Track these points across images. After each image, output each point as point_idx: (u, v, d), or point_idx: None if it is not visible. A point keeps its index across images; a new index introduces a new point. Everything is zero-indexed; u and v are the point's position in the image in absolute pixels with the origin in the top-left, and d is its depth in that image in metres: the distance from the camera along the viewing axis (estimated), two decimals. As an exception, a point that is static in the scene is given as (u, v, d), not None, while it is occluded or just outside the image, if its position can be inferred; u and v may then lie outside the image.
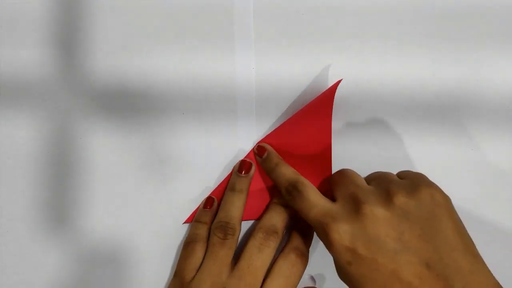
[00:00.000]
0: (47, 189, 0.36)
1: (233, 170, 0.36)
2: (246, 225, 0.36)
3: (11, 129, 0.36)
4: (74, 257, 0.36)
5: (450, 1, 0.37)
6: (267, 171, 0.35)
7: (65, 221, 0.36)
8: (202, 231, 0.34)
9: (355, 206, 0.28)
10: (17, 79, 0.36)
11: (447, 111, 0.37)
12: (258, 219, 0.36)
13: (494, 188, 0.37)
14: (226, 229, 0.33)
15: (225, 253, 0.32)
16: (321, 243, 0.29)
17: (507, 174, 0.37)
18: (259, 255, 0.32)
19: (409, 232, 0.27)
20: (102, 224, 0.36)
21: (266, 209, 0.35)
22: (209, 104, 0.36)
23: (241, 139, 0.36)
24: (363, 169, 0.36)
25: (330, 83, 0.36)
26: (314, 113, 0.35)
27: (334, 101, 0.36)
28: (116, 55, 0.36)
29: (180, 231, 0.36)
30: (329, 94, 0.34)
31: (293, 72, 0.36)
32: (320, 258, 0.36)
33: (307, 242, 0.34)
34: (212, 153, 0.36)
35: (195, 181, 0.36)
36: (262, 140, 0.36)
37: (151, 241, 0.36)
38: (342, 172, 0.32)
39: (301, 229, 0.34)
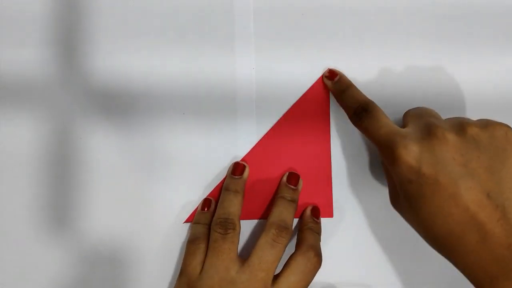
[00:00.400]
0: (48, 189, 0.36)
1: (227, 172, 0.36)
2: (249, 224, 0.36)
3: (11, 129, 0.36)
4: (74, 257, 0.36)
5: (450, 1, 0.37)
6: (337, 93, 0.35)
7: (66, 221, 0.36)
8: (203, 229, 0.34)
9: (427, 130, 0.28)
10: (17, 79, 0.36)
11: (447, 111, 0.37)
12: (261, 218, 0.36)
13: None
14: (226, 224, 0.32)
15: (228, 247, 0.32)
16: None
17: (507, 174, 0.37)
18: (272, 251, 0.31)
19: (476, 161, 0.27)
20: (102, 223, 0.36)
21: (273, 204, 0.34)
22: (209, 104, 0.36)
23: (241, 139, 0.36)
24: (363, 169, 0.37)
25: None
26: (311, 105, 0.35)
27: (334, 102, 0.36)
28: (116, 55, 0.36)
29: (180, 231, 0.36)
30: (323, 84, 0.35)
31: (293, 72, 0.36)
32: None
33: (319, 239, 0.34)
34: (212, 153, 0.36)
35: (195, 181, 0.36)
36: (261, 141, 0.36)
37: (151, 241, 0.36)
38: (418, 108, 0.33)
39: (310, 227, 0.34)
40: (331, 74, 0.35)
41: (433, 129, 0.28)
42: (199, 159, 0.36)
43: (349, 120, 0.37)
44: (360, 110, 0.32)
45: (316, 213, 0.35)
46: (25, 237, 0.36)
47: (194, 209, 0.36)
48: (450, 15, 0.37)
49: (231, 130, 0.36)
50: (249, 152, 0.36)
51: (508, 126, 0.28)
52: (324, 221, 0.36)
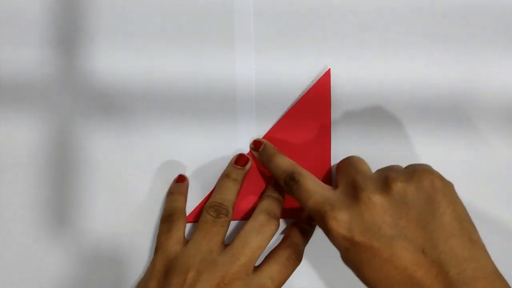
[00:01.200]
0: (48, 189, 0.36)
1: (230, 162, 0.36)
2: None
3: (12, 129, 0.36)
4: (74, 257, 0.36)
5: (450, 1, 0.37)
6: (264, 164, 0.34)
7: (66, 220, 0.36)
8: (180, 203, 0.34)
9: (354, 193, 0.28)
10: (17, 79, 0.36)
11: (447, 111, 0.37)
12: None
13: (493, 188, 0.37)
14: (220, 209, 0.32)
15: (216, 231, 0.32)
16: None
17: (507, 174, 0.37)
18: (257, 237, 0.31)
19: (406, 218, 0.27)
20: (102, 223, 0.36)
21: (261, 199, 0.34)
22: (209, 104, 0.36)
23: (241, 139, 0.36)
24: (363, 169, 0.37)
25: (331, 83, 0.36)
26: (312, 106, 0.36)
27: (334, 102, 0.36)
28: (116, 55, 0.36)
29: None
30: (324, 85, 0.35)
31: (293, 72, 0.36)
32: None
33: (305, 241, 0.34)
34: (212, 153, 0.36)
35: (195, 181, 0.36)
36: (263, 137, 0.36)
37: (151, 241, 0.36)
38: (348, 159, 0.32)
39: (302, 227, 0.34)
40: (256, 145, 0.35)
41: (359, 194, 0.28)
42: (199, 159, 0.36)
43: (349, 121, 0.37)
44: (288, 180, 0.31)
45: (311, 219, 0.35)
46: (25, 237, 0.36)
47: (194, 209, 0.36)
48: (450, 15, 0.37)
49: (231, 130, 0.36)
50: (249, 152, 0.36)
51: (434, 174, 0.28)
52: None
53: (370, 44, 0.37)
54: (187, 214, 0.36)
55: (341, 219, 0.28)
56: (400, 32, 0.37)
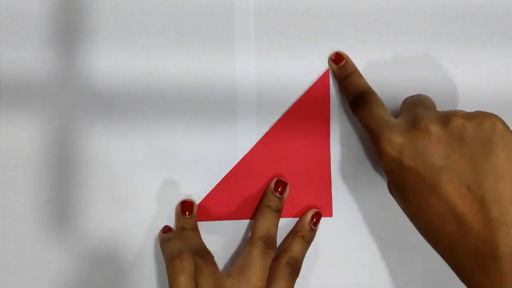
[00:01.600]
0: (48, 189, 0.36)
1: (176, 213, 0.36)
2: (248, 224, 0.36)
3: (12, 129, 0.36)
4: (75, 257, 0.36)
5: (450, 1, 0.37)
6: (340, 79, 0.35)
7: (66, 220, 0.36)
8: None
9: (412, 121, 0.28)
10: (18, 79, 0.36)
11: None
12: (252, 221, 0.36)
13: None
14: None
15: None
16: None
17: (506, 174, 0.37)
18: (263, 262, 0.32)
19: (459, 153, 0.27)
20: (102, 223, 0.36)
21: (258, 213, 0.34)
22: (209, 104, 0.36)
23: (241, 139, 0.36)
24: (363, 169, 0.37)
25: (330, 83, 0.36)
26: (311, 106, 0.36)
27: (333, 102, 0.36)
28: (116, 55, 0.36)
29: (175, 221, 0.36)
30: (322, 85, 0.36)
31: (293, 72, 0.36)
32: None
33: (304, 252, 0.34)
34: (212, 153, 0.36)
35: (195, 181, 0.36)
36: (261, 140, 0.36)
37: (151, 241, 0.36)
38: (415, 95, 0.33)
39: (304, 238, 0.34)
40: (337, 58, 0.35)
41: (417, 122, 0.28)
42: (199, 159, 0.36)
43: (349, 121, 0.37)
44: (358, 99, 0.32)
45: (316, 220, 0.35)
46: (25, 237, 0.36)
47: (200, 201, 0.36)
48: (450, 15, 0.37)
49: (231, 130, 0.36)
50: (249, 152, 0.36)
51: (497, 117, 0.28)
52: (323, 220, 0.36)
53: (370, 44, 0.37)
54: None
55: (394, 141, 0.28)
56: (400, 32, 0.37)
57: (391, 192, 0.31)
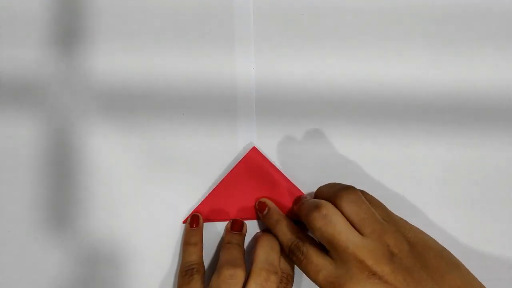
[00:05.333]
0: (48, 189, 0.36)
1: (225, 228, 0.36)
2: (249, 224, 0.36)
3: (12, 129, 0.36)
4: (74, 257, 0.36)
5: (450, 1, 0.37)
6: (268, 226, 0.35)
7: (66, 220, 0.36)
8: (197, 256, 0.34)
9: (364, 270, 0.29)
10: (17, 79, 0.36)
11: (447, 111, 0.37)
12: (252, 221, 0.36)
13: (493, 188, 0.37)
14: (232, 269, 0.32)
15: None
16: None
17: (506, 174, 0.37)
18: None
19: (411, 279, 0.28)
20: (102, 223, 0.36)
21: (260, 241, 0.34)
22: (209, 104, 0.36)
23: (241, 139, 0.36)
24: (363, 169, 0.37)
25: (330, 83, 0.36)
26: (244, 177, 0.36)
27: (334, 101, 0.36)
28: (116, 55, 0.36)
29: (180, 231, 0.36)
30: (250, 161, 0.35)
31: (293, 72, 0.36)
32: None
33: (294, 265, 0.34)
34: (212, 153, 0.36)
35: (195, 181, 0.36)
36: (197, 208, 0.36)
37: (151, 241, 0.36)
38: (321, 225, 0.31)
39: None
40: (260, 206, 0.35)
41: (368, 270, 0.29)
42: (199, 159, 0.36)
43: (349, 121, 0.37)
44: (295, 250, 0.32)
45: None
46: (25, 237, 0.36)
47: (193, 209, 0.36)
48: (450, 15, 0.37)
49: (231, 130, 0.36)
50: (248, 152, 0.36)
51: (421, 232, 0.31)
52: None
53: (370, 44, 0.37)
54: (187, 214, 0.36)
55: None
56: (400, 32, 0.37)
57: None
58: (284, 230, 0.33)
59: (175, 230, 0.36)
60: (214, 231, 0.36)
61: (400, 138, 0.37)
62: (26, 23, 0.36)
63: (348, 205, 0.31)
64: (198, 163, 0.36)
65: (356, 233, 0.30)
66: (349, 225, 0.30)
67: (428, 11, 0.37)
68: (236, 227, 0.35)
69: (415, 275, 0.29)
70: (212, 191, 0.36)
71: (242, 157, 0.36)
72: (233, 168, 0.36)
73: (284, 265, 0.34)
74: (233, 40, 0.37)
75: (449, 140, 0.37)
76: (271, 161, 0.36)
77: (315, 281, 0.30)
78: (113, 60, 0.36)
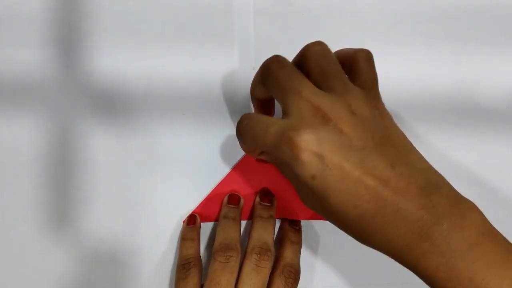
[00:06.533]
0: (48, 189, 0.36)
1: (222, 202, 0.36)
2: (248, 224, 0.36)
3: (12, 129, 0.36)
4: (74, 257, 0.36)
5: (450, 1, 0.37)
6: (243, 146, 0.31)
7: (66, 220, 0.36)
8: (194, 250, 0.34)
9: (318, 116, 0.25)
10: (17, 79, 0.36)
11: (447, 111, 0.37)
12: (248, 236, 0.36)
13: (493, 188, 0.37)
14: (228, 251, 0.32)
15: (226, 280, 0.31)
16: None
17: (506, 174, 0.37)
18: (258, 277, 0.31)
19: (372, 139, 0.25)
20: (102, 223, 0.36)
21: (252, 224, 0.34)
22: (209, 104, 0.36)
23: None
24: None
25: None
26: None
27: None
28: (116, 55, 0.36)
29: (180, 231, 0.36)
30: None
31: (293, 72, 0.36)
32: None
33: (298, 255, 0.34)
34: (212, 153, 0.36)
35: (195, 181, 0.36)
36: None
37: (151, 241, 0.36)
38: (281, 65, 0.28)
39: (288, 246, 0.34)
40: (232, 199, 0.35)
41: (326, 115, 0.25)
42: (199, 159, 0.36)
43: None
44: (241, 120, 0.28)
45: (296, 222, 0.35)
46: (26, 237, 0.36)
47: (193, 209, 0.36)
48: (450, 15, 0.37)
49: (231, 130, 0.36)
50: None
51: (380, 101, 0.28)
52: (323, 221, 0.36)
53: (370, 44, 0.37)
54: (187, 214, 0.36)
55: (311, 139, 0.24)
56: (400, 32, 0.37)
57: (308, 200, 0.27)
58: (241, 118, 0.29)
59: (175, 230, 0.36)
60: (214, 230, 0.36)
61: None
62: (26, 23, 0.36)
63: (311, 54, 0.28)
64: (198, 163, 0.36)
65: (313, 85, 0.27)
66: (306, 78, 0.27)
67: (428, 11, 0.37)
68: (233, 200, 0.35)
69: (376, 136, 0.25)
70: (212, 191, 0.36)
71: (242, 157, 0.36)
72: (233, 168, 0.36)
73: (291, 259, 0.33)
74: (233, 40, 0.37)
75: (449, 140, 0.37)
76: None
77: (264, 141, 0.26)
78: (113, 60, 0.36)
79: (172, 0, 0.36)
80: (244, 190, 0.36)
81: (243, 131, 0.28)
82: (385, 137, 0.26)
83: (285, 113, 0.27)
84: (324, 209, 0.26)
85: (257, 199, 0.35)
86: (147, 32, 0.36)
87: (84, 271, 0.36)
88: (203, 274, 0.34)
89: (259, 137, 0.26)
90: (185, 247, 0.34)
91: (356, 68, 0.28)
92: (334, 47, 0.37)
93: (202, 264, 0.34)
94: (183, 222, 0.36)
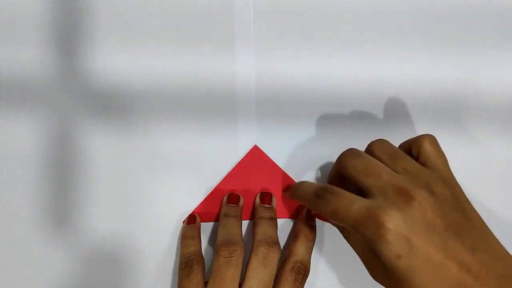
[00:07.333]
0: (48, 189, 0.36)
1: (222, 201, 0.36)
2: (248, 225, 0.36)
3: (12, 130, 0.36)
4: (75, 257, 0.36)
5: (450, 1, 0.37)
6: (292, 197, 0.34)
7: (66, 221, 0.36)
8: (195, 248, 0.34)
9: (402, 195, 0.26)
10: (17, 79, 0.36)
11: (447, 111, 0.37)
12: (251, 222, 0.36)
13: (493, 188, 0.37)
14: (231, 246, 0.32)
15: (231, 274, 0.31)
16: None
17: (506, 174, 0.37)
18: (265, 272, 0.31)
19: (453, 221, 0.26)
20: (102, 223, 0.36)
21: (255, 224, 0.34)
22: (209, 104, 0.36)
23: (241, 139, 0.36)
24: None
25: (330, 83, 0.36)
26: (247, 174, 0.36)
27: (334, 101, 0.36)
28: (116, 55, 0.36)
29: (180, 231, 0.36)
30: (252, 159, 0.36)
31: (293, 72, 0.36)
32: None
33: (310, 252, 0.34)
34: (212, 153, 0.36)
35: (195, 181, 0.36)
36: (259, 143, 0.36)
37: (151, 241, 0.36)
38: (357, 157, 0.29)
39: (302, 242, 0.34)
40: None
41: (409, 195, 0.26)
42: (199, 159, 0.36)
43: (348, 121, 0.37)
44: (322, 192, 0.29)
45: (312, 216, 0.35)
46: (26, 237, 0.36)
47: (193, 209, 0.36)
48: (450, 15, 0.37)
49: (231, 130, 0.36)
50: (248, 153, 0.36)
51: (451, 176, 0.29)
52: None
53: (370, 44, 0.37)
54: (187, 214, 0.36)
55: (398, 220, 0.25)
56: (400, 32, 0.37)
57: (388, 281, 0.27)
58: (307, 187, 0.31)
59: (176, 230, 0.36)
60: (213, 230, 0.36)
61: (400, 138, 0.37)
62: (26, 23, 0.36)
63: (377, 146, 0.30)
64: (198, 163, 0.36)
65: (389, 168, 0.28)
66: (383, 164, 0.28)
67: (428, 11, 0.37)
68: (233, 200, 0.35)
69: (456, 218, 0.26)
70: (212, 191, 0.36)
71: (242, 157, 0.36)
72: (233, 168, 0.36)
73: (303, 256, 0.33)
74: (233, 40, 0.36)
75: (449, 140, 0.37)
76: (272, 160, 0.36)
77: (346, 216, 0.27)
78: (113, 60, 0.36)
79: (172, 0, 0.36)
80: (244, 190, 0.36)
81: (324, 203, 0.29)
82: (465, 219, 0.27)
83: (367, 195, 0.27)
84: (401, 286, 0.26)
85: (258, 200, 0.35)
86: (147, 32, 0.36)
87: (84, 271, 0.36)
88: (206, 273, 0.34)
89: (341, 212, 0.27)
90: (186, 245, 0.34)
91: (423, 151, 0.30)
92: (334, 47, 0.37)
93: (204, 261, 0.34)
94: (183, 222, 0.36)
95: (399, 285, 0.26)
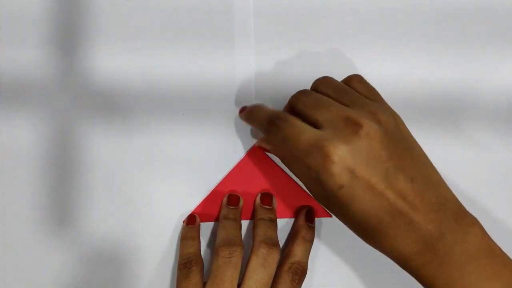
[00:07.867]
0: (48, 189, 0.36)
1: (222, 203, 0.36)
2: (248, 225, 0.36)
3: (12, 129, 0.36)
4: (75, 257, 0.36)
5: (450, 1, 0.37)
6: (247, 119, 0.34)
7: (67, 221, 0.36)
8: (194, 248, 0.34)
9: (350, 125, 0.27)
10: (17, 79, 0.36)
11: (446, 111, 0.37)
12: (251, 221, 0.36)
13: (492, 189, 0.37)
14: (230, 246, 0.32)
15: (230, 275, 0.31)
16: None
17: (506, 174, 0.37)
18: (265, 272, 0.31)
19: (395, 152, 0.27)
20: (103, 223, 0.36)
21: (255, 225, 0.34)
22: (209, 104, 0.36)
23: (241, 139, 0.36)
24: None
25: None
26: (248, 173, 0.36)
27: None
28: (116, 55, 0.36)
29: (180, 231, 0.36)
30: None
31: (293, 72, 0.36)
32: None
33: (307, 253, 0.34)
34: (212, 153, 0.36)
35: (195, 181, 0.36)
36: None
37: (151, 241, 0.36)
38: (307, 95, 0.30)
39: (300, 242, 0.34)
40: (241, 110, 0.35)
41: (357, 127, 0.27)
42: (199, 159, 0.36)
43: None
44: (275, 119, 0.29)
45: (312, 217, 0.35)
46: (26, 237, 0.36)
47: (193, 209, 0.36)
48: (450, 15, 0.37)
49: (231, 130, 0.36)
50: (248, 153, 0.36)
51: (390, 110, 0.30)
52: (324, 220, 0.36)
53: (370, 44, 0.37)
54: (186, 214, 0.36)
55: (344, 151, 0.26)
56: (400, 32, 0.37)
57: (330, 205, 0.28)
58: (263, 109, 0.32)
59: (175, 230, 0.36)
60: (213, 231, 0.36)
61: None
62: (26, 23, 0.36)
63: (322, 83, 0.30)
64: (198, 163, 0.36)
65: (337, 102, 0.29)
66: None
67: (428, 11, 0.37)
68: (232, 201, 0.35)
69: (399, 148, 0.27)
70: (212, 191, 0.36)
71: (242, 157, 0.36)
72: (233, 168, 0.36)
73: (301, 257, 0.33)
74: (233, 40, 0.37)
75: (449, 140, 0.37)
76: (272, 159, 0.36)
77: (295, 144, 0.27)
78: (113, 60, 0.36)
79: (172, 0, 0.36)
80: (244, 190, 0.36)
81: (275, 129, 0.29)
82: (406, 149, 0.28)
83: (317, 127, 0.28)
84: (341, 211, 0.28)
85: (258, 201, 0.35)
86: (147, 32, 0.36)
87: (84, 271, 0.36)
88: (204, 274, 0.34)
89: (291, 140, 0.28)
90: (185, 246, 0.34)
91: (354, 88, 0.31)
92: (334, 47, 0.37)
93: (203, 262, 0.34)
94: (183, 222, 0.36)
95: (340, 211, 0.28)
